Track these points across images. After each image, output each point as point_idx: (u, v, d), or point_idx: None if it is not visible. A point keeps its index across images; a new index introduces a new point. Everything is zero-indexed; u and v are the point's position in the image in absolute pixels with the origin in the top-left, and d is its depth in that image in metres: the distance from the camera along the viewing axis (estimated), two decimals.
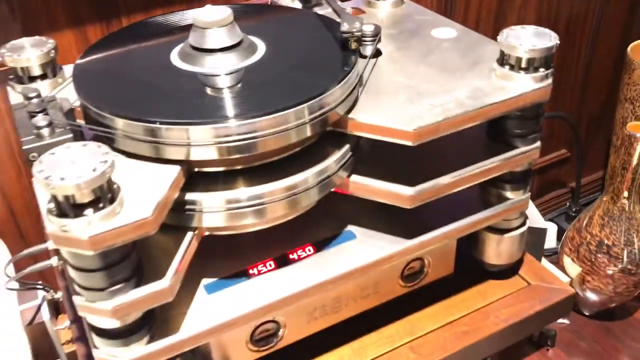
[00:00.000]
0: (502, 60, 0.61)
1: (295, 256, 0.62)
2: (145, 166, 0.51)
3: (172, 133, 0.50)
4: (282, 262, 0.61)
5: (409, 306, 0.70)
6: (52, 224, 0.44)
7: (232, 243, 0.62)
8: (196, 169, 0.55)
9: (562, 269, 1.43)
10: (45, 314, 0.73)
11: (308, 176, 0.56)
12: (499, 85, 0.60)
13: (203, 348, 0.59)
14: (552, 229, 1.62)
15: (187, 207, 0.54)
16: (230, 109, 0.52)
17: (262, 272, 0.60)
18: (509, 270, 0.74)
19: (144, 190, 0.48)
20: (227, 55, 0.58)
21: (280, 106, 0.51)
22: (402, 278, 0.67)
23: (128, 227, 0.45)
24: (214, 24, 0.57)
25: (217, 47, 0.57)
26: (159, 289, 0.50)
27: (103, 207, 0.44)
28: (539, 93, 0.60)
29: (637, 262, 1.34)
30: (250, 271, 0.60)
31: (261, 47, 0.60)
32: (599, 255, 1.35)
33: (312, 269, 0.60)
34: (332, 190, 0.59)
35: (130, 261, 0.48)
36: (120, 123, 0.51)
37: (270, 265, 0.61)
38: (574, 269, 1.40)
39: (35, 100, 0.55)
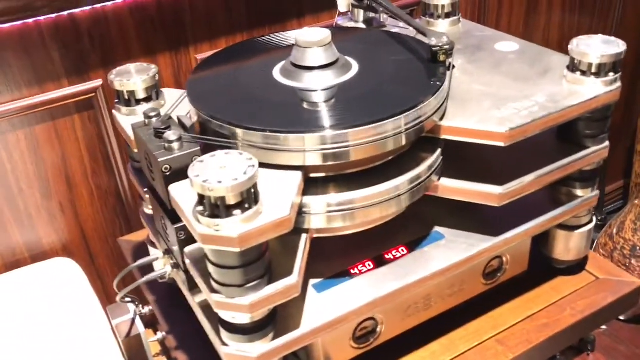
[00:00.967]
0: (573, 67, 0.67)
1: (390, 256, 0.66)
2: (268, 173, 0.56)
3: (292, 142, 0.55)
4: (380, 262, 0.65)
5: (489, 303, 0.74)
6: (202, 225, 0.49)
7: (330, 245, 0.66)
8: (311, 175, 0.59)
9: None
10: (140, 327, 0.76)
11: (405, 181, 0.61)
12: (572, 89, 0.66)
13: (308, 347, 0.62)
14: None
15: (302, 210, 0.58)
16: (345, 118, 0.57)
17: (362, 272, 0.64)
18: (576, 266, 0.79)
19: (276, 193, 0.52)
20: (325, 72, 0.63)
21: (386, 115, 0.56)
22: (483, 276, 0.71)
23: (270, 225, 0.49)
24: (315, 44, 0.62)
25: (317, 65, 0.62)
26: (288, 284, 0.54)
27: (249, 208, 0.49)
28: (610, 95, 0.66)
29: None
30: (352, 271, 0.64)
31: (354, 65, 0.66)
32: (633, 260, 1.40)
33: (409, 268, 0.64)
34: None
35: (264, 260, 0.52)
36: (242, 133, 0.56)
37: (369, 265, 0.65)
38: None
39: (154, 120, 0.60)
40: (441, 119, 0.62)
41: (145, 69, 0.68)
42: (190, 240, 0.59)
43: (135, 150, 0.63)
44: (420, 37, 0.72)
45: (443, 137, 0.63)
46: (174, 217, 0.58)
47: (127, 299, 0.73)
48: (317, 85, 0.62)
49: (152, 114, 0.60)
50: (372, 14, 0.83)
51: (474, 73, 0.70)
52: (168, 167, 0.55)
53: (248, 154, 0.50)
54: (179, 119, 0.61)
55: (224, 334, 0.56)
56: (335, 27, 0.81)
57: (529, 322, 0.72)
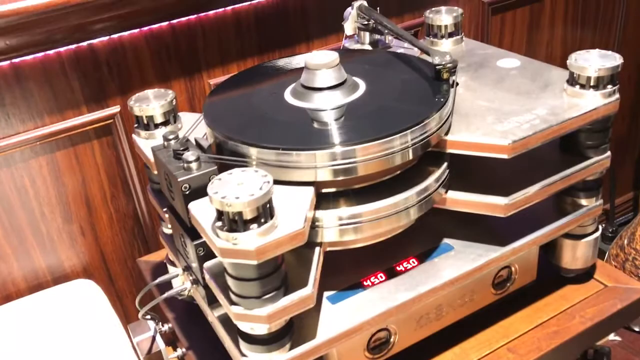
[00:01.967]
0: (572, 80, 0.69)
1: (401, 268, 0.68)
2: (283, 189, 0.58)
3: (304, 158, 0.58)
4: (391, 273, 0.67)
5: (500, 312, 0.76)
6: (221, 239, 0.51)
7: (343, 259, 0.69)
8: (323, 190, 0.62)
9: None
10: (161, 344, 0.79)
11: (413, 194, 0.63)
12: (572, 102, 0.68)
13: (323, 357, 0.64)
14: None
15: (315, 224, 0.60)
16: (354, 135, 0.60)
17: (374, 283, 0.66)
18: (585, 275, 0.80)
19: (290, 208, 0.55)
20: (334, 92, 0.66)
21: (393, 130, 0.59)
22: (493, 286, 0.73)
23: (286, 237, 0.52)
24: (324, 66, 0.65)
25: (326, 86, 0.65)
26: (303, 295, 0.56)
27: (265, 222, 0.51)
28: (609, 107, 0.68)
29: None
30: (365, 283, 0.66)
31: (362, 84, 0.69)
32: None
33: (420, 278, 0.66)
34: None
35: (280, 272, 0.55)
36: (256, 152, 0.59)
37: (381, 277, 0.67)
38: None
39: (173, 142, 0.63)
40: (446, 133, 0.65)
41: (162, 94, 0.72)
42: (209, 256, 0.61)
43: (155, 172, 0.66)
44: (424, 56, 0.75)
45: (449, 151, 0.65)
46: (194, 234, 0.61)
47: (148, 317, 0.76)
48: (327, 105, 0.65)
49: (171, 136, 0.63)
50: (377, 36, 0.86)
51: (477, 89, 0.73)
52: (187, 186, 0.58)
53: (263, 171, 0.53)
54: (196, 140, 0.64)
55: (242, 345, 0.59)
56: (343, 50, 0.85)
57: (539, 330, 0.74)
